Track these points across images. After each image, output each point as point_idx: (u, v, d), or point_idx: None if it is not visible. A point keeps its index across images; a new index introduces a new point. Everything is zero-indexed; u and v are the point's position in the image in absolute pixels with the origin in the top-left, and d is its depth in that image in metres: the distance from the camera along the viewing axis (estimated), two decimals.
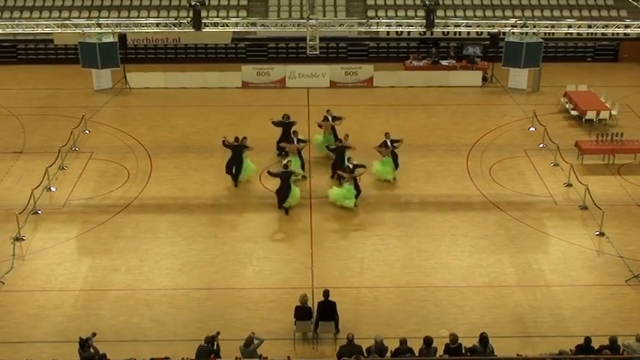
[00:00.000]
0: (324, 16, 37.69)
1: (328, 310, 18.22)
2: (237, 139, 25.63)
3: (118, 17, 36.83)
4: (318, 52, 28.83)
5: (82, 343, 16.61)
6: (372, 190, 25.12)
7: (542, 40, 33.35)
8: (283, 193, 23.86)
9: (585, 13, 38.72)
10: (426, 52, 37.11)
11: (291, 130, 26.60)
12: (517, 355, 17.18)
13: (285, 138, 26.64)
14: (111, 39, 32.56)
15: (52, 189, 25.26)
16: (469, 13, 38.62)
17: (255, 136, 27.12)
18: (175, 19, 29.85)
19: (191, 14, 27.99)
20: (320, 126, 27.53)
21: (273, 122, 27.24)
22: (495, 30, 32.05)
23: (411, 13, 38.39)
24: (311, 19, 28.17)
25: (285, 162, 24.46)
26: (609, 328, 18.24)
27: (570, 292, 20.22)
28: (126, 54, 34.59)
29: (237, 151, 25.40)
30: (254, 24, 31.19)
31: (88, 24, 30.68)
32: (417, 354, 16.59)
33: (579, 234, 22.86)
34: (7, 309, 19.50)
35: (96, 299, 19.92)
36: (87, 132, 29.65)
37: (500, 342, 17.51)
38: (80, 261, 21.56)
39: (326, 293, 18.34)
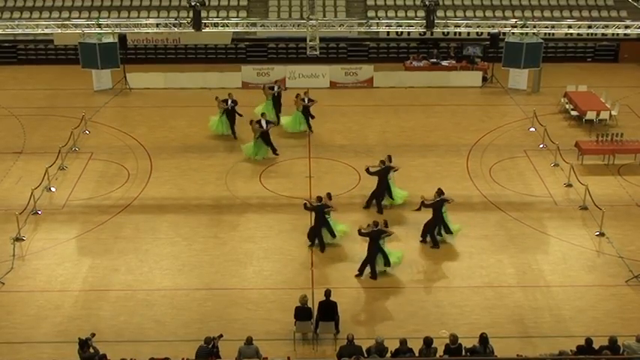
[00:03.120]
0: (324, 16, 37.66)
1: (329, 309, 18.21)
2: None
3: (118, 17, 36.83)
4: (318, 53, 28.80)
5: (82, 344, 16.60)
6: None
7: (542, 41, 33.34)
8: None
9: (585, 13, 38.71)
10: (426, 53, 37.10)
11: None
12: (517, 355, 17.16)
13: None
14: (111, 39, 32.53)
15: (52, 189, 25.24)
16: (469, 13, 38.60)
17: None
18: (175, 20, 29.81)
19: (191, 15, 27.98)
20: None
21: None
22: (495, 30, 32.04)
23: (411, 13, 38.40)
24: (311, 19, 28.14)
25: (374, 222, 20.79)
26: (609, 329, 18.21)
27: (570, 292, 20.21)
28: (126, 54, 34.57)
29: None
30: (254, 24, 31.16)
31: (88, 24, 30.67)
32: (417, 354, 16.58)
33: (579, 234, 22.84)
34: (7, 309, 19.49)
35: (96, 300, 19.91)
36: (87, 132, 29.64)
37: (501, 342, 17.51)
38: (80, 261, 21.54)
39: (327, 293, 18.33)
